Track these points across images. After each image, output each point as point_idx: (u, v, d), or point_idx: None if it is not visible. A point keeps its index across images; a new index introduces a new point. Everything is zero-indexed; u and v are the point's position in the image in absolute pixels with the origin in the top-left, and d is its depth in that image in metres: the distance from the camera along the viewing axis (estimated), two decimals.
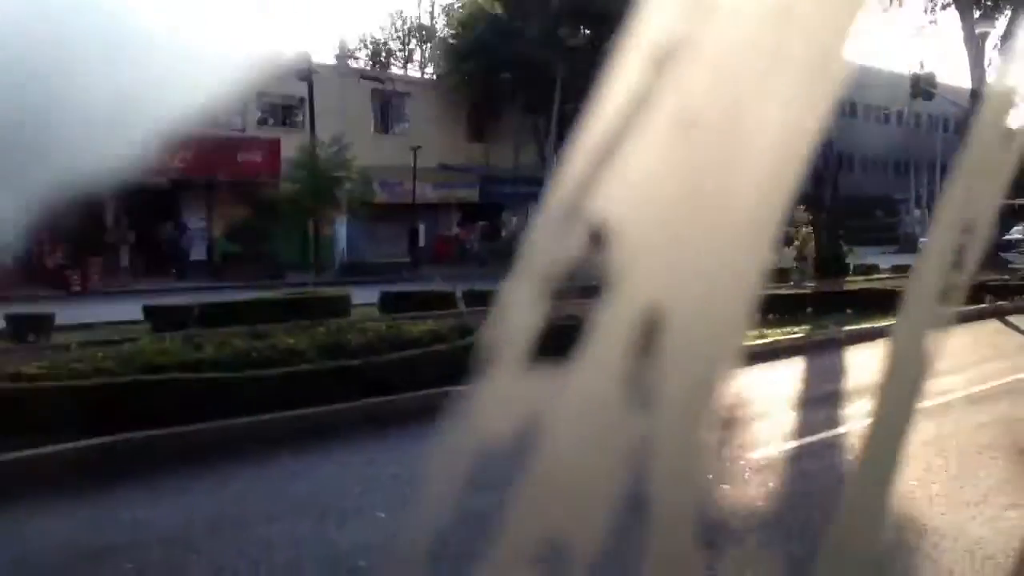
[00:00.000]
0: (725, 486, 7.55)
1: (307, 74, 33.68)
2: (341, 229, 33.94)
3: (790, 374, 13.45)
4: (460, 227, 43.49)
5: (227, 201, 33.37)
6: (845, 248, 30.13)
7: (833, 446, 8.96)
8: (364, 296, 19.55)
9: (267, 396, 9.16)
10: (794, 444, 9.04)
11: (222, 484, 7.84)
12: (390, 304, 18.15)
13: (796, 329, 16.55)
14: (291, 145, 32.78)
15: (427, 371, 10.40)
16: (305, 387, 9.33)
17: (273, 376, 9.51)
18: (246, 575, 5.84)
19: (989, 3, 38.50)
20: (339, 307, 17.06)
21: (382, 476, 7.69)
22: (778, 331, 16.19)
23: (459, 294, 18.52)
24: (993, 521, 6.79)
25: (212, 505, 7.27)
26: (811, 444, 9.02)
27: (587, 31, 42.17)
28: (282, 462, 8.30)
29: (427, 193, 39.47)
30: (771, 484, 7.69)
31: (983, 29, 33.83)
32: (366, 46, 67.16)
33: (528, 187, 42.59)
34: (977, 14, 35.39)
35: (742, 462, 8.27)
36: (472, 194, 42.08)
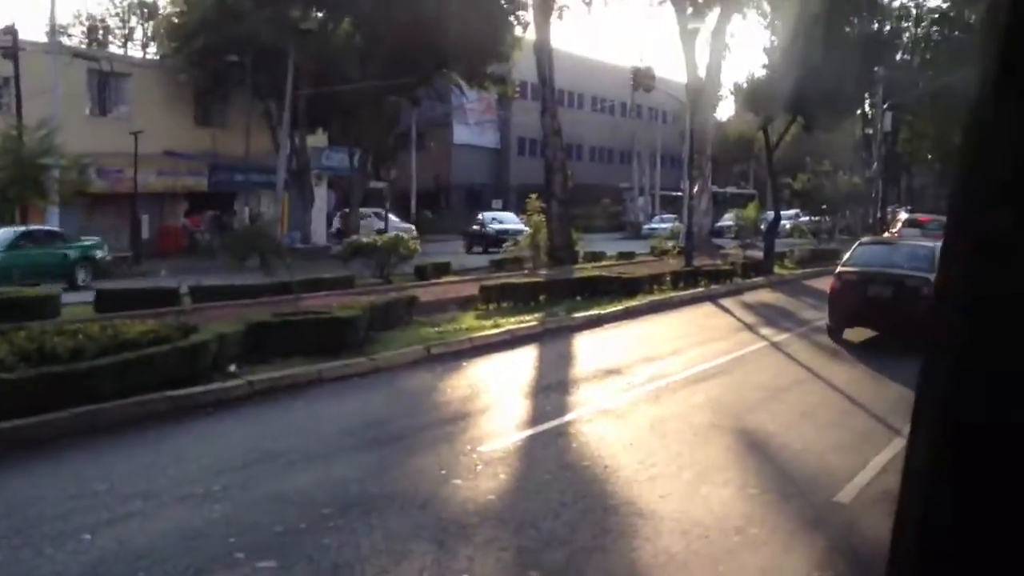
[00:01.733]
0: (457, 481, 7.51)
1: (12, 51, 31.09)
2: (52, 220, 31.47)
3: (524, 362, 13.70)
4: (188, 217, 41.62)
5: None
6: (575, 235, 31.14)
7: (561, 434, 9.14)
8: (78, 294, 18.28)
9: None
10: (525, 434, 9.13)
11: None
12: (107, 302, 16.90)
13: (530, 317, 16.89)
14: None
15: (145, 375, 9.77)
16: (3, 398, 8.48)
17: None
18: None
19: (700, 0, 40.89)
20: (47, 307, 15.76)
21: (89, 493, 7.10)
22: (512, 319, 16.46)
23: (185, 290, 17.63)
24: (708, 499, 7.11)
25: None
26: (540, 433, 9.14)
27: (319, 14, 41.32)
28: None
29: (151, 181, 37.41)
30: (502, 476, 7.70)
31: (695, 25, 35.86)
32: (81, 23, 63.05)
33: (260, 175, 41.32)
34: (690, 10, 37.47)
35: (474, 455, 8.26)
36: (200, 182, 40.32)
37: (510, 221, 45.33)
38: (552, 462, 8.13)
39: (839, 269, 16.22)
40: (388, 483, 7.46)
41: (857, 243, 17.95)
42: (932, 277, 13.38)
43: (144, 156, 35.34)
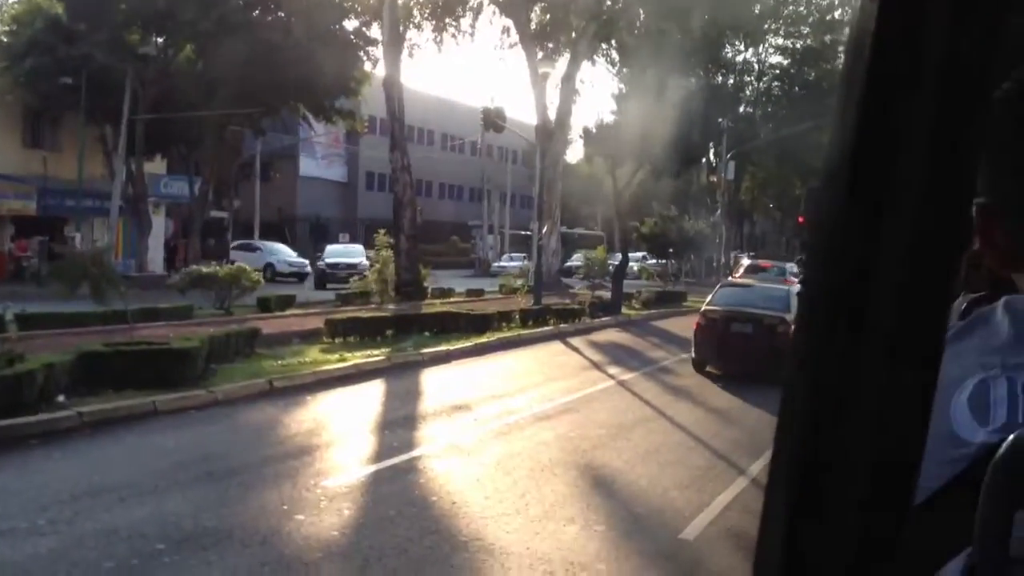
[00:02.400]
0: (300, 516, 7.28)
1: None
2: None
3: (371, 397, 13.47)
4: (15, 242, 39.60)
5: None
6: (424, 271, 31.04)
7: (408, 470, 8.99)
8: None
9: None
10: (371, 469, 8.96)
11: None
12: None
13: (377, 352, 16.67)
14: None
15: None
16: None
17: None
18: None
19: (550, 45, 41.77)
20: None
21: None
22: (359, 354, 16.22)
23: (10, 317, 16.66)
24: (555, 535, 7.10)
25: None
26: (387, 469, 8.98)
27: (159, 39, 40.20)
28: None
29: None
30: (347, 512, 7.51)
31: (545, 70, 36.52)
32: None
33: (94, 200, 39.74)
34: (540, 55, 38.18)
35: (319, 490, 8.05)
36: (28, 206, 38.41)
37: (355, 255, 44.54)
38: (398, 498, 7.99)
39: (703, 308, 17.53)
40: (226, 518, 7.17)
41: (719, 285, 19.70)
42: (788, 316, 15.23)
43: None
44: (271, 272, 42.35)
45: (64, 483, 7.91)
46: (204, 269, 23.20)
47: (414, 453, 9.71)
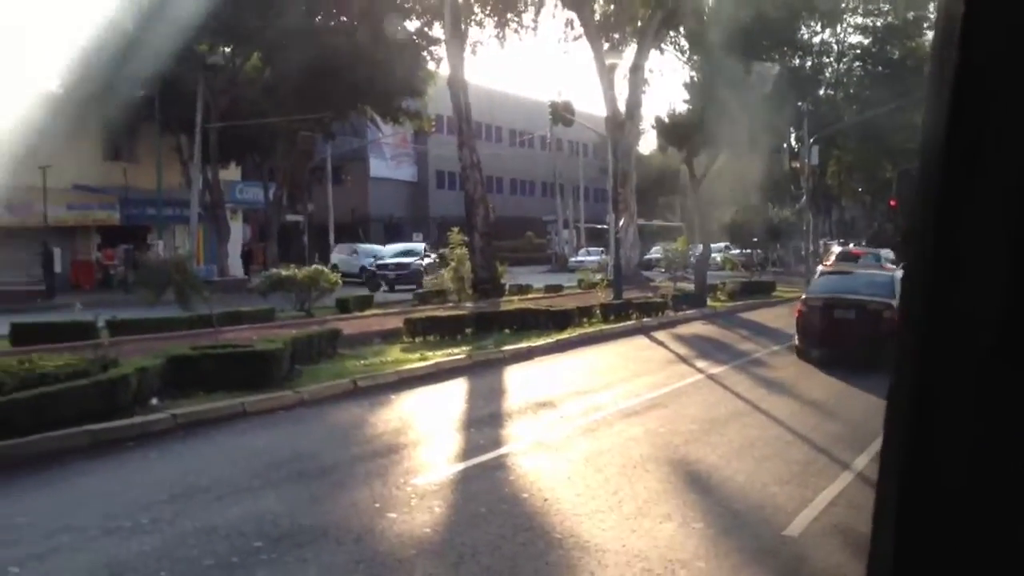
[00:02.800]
0: (392, 514, 7.26)
1: None
2: None
3: (454, 395, 13.45)
4: (101, 251, 40.62)
5: None
6: (500, 268, 31.02)
7: (496, 467, 8.92)
8: None
9: None
10: (460, 467, 8.91)
11: None
12: (23, 336, 16.32)
13: (457, 350, 16.68)
14: None
15: (64, 410, 9.34)
16: None
17: None
18: None
19: (616, 36, 41.41)
20: None
21: (10, 527, 6.74)
22: (439, 353, 16.24)
23: (101, 323, 17.05)
24: (651, 533, 6.96)
25: None
26: (475, 466, 8.92)
27: (226, 49, 40.79)
28: None
29: (61, 215, 36.49)
30: (438, 509, 7.47)
31: (612, 60, 36.24)
32: None
33: (173, 208, 40.58)
34: (606, 46, 37.86)
35: (409, 488, 8.02)
36: (112, 216, 39.42)
37: (410, 254, 42.53)
38: (489, 495, 7.92)
39: (804, 296, 18.04)
40: (320, 516, 7.19)
41: (819, 272, 20.36)
42: (893, 302, 15.17)
43: (53, 190, 34.53)
44: (368, 273, 41.36)
45: (162, 483, 8.02)
46: (283, 272, 23.48)
47: (501, 451, 9.64)
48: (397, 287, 36.44)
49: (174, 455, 9.31)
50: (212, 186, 41.30)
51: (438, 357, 15.73)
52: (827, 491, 8.15)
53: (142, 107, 37.72)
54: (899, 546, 1.56)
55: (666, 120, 37.73)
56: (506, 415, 11.76)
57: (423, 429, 10.78)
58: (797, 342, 17.33)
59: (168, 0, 36.09)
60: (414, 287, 33.20)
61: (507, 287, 30.60)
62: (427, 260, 38.71)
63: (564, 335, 19.40)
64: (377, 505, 7.52)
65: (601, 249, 55.00)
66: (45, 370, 9.77)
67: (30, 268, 35.69)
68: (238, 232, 46.62)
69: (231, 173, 47.17)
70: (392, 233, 69.42)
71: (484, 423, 11.13)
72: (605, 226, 52.23)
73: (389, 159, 71.75)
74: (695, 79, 34.40)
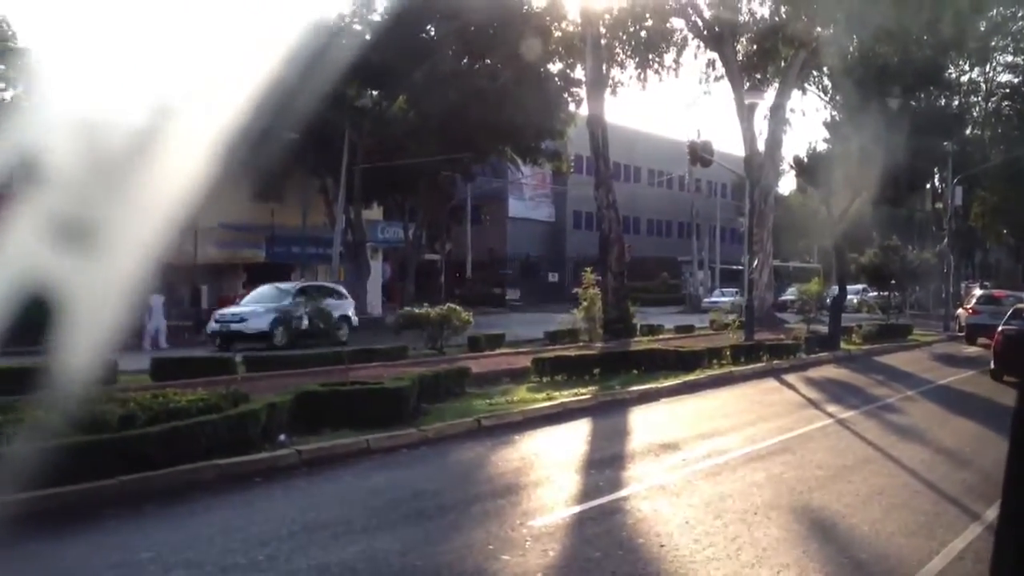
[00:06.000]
0: (505, 556, 7.24)
1: None
2: None
3: (577, 436, 13.39)
4: (246, 288, 42.14)
5: None
6: (631, 308, 30.85)
7: (614, 511, 8.81)
8: (135, 362, 18.36)
9: (8, 475, 8.21)
10: (577, 509, 8.83)
11: None
12: (163, 371, 16.98)
13: (584, 390, 16.62)
14: None
15: (195, 444, 9.68)
16: (53, 464, 8.42)
17: (17, 452, 8.55)
18: None
19: (758, 76, 40.91)
20: (103, 374, 15.83)
21: (134, 562, 6.98)
22: (566, 392, 16.21)
23: (239, 359, 17.69)
24: None
25: None
26: (592, 509, 8.83)
27: (374, 92, 41.96)
28: (24, 546, 7.42)
29: (209, 252, 38.05)
30: (552, 553, 7.41)
31: (752, 100, 35.82)
32: None
33: (317, 247, 41.82)
34: (747, 86, 37.46)
35: (524, 529, 8.00)
36: (258, 254, 40.94)
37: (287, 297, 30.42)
38: (604, 539, 7.82)
39: (1000, 328, 21.66)
40: (433, 557, 7.22)
41: (1011, 309, 24.05)
42: None
43: (201, 229, 35.99)
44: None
45: (282, 520, 8.20)
46: (416, 310, 23.89)
47: (620, 493, 9.52)
48: (237, 347, 24.97)
49: (297, 491, 9.52)
50: (355, 225, 42.47)
51: (564, 397, 15.70)
52: (954, 543, 7.78)
53: (290, 149, 39.17)
54: None
55: (805, 160, 37.01)
56: (627, 457, 11.62)
57: (543, 470, 10.74)
58: (992, 365, 21.01)
59: (319, 46, 37.51)
60: (264, 347, 25.43)
61: (638, 327, 30.37)
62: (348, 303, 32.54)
63: (692, 376, 19.10)
64: (491, 547, 7.51)
65: (735, 290, 54.15)
66: (178, 404, 10.15)
67: (180, 305, 37.32)
68: (378, 271, 47.72)
69: (373, 213, 48.41)
70: (530, 272, 69.98)
71: (605, 465, 11.03)
72: (740, 267, 51.39)
73: (528, 199, 72.54)
74: (835, 118, 33.60)
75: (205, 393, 11.11)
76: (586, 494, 9.51)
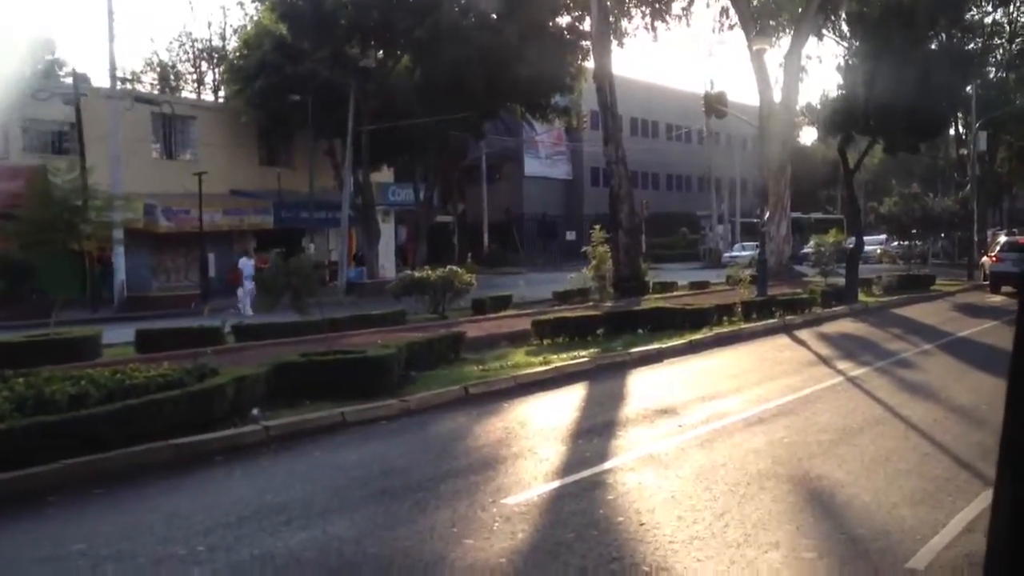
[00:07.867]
0: (469, 540, 6.63)
1: (73, 98, 31.32)
2: (118, 260, 31.35)
3: (569, 402, 12.71)
4: (256, 255, 41.71)
5: None
6: (644, 266, 30.12)
7: (596, 485, 8.16)
8: (128, 334, 17.87)
9: None
10: (556, 484, 8.19)
11: None
12: (148, 343, 16.45)
13: (583, 353, 15.96)
14: None
15: (153, 422, 9.11)
16: None
17: None
18: None
19: (772, 23, 39.78)
20: (86, 349, 15.34)
21: (63, 555, 6.44)
22: (564, 356, 15.57)
23: (227, 329, 17.13)
24: (753, 564, 6.10)
25: None
26: (573, 483, 8.19)
27: (377, 52, 41.16)
28: None
29: (217, 220, 37.51)
30: (520, 535, 6.78)
31: (760, 46, 34.77)
32: (153, 69, 64.20)
33: (325, 212, 41.23)
34: (758, 31, 36.41)
35: (495, 509, 7.38)
36: (267, 220, 40.36)
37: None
38: (580, 518, 7.18)
39: None
40: (390, 543, 6.62)
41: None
42: None
43: (210, 196, 35.44)
44: None
45: (235, 504, 7.64)
46: (416, 274, 23.26)
47: (606, 465, 8.88)
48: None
49: (260, 471, 8.94)
50: (363, 188, 41.81)
51: (560, 361, 15.06)
52: (963, 513, 7.11)
53: (295, 112, 38.50)
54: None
55: (818, 107, 35.98)
56: (619, 424, 10.95)
57: (527, 440, 10.11)
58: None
59: (320, 5, 36.77)
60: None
61: (651, 284, 29.64)
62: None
63: (699, 335, 18.40)
64: (455, 530, 6.91)
65: (756, 244, 53.24)
66: (136, 381, 9.57)
67: (188, 273, 36.92)
68: (389, 234, 47.13)
69: (384, 175, 47.78)
70: (546, 231, 69.20)
71: (594, 433, 10.39)
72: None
73: (544, 157, 71.59)
74: (849, 62, 32.45)
75: (168, 368, 10.53)
76: (569, 467, 8.88)
